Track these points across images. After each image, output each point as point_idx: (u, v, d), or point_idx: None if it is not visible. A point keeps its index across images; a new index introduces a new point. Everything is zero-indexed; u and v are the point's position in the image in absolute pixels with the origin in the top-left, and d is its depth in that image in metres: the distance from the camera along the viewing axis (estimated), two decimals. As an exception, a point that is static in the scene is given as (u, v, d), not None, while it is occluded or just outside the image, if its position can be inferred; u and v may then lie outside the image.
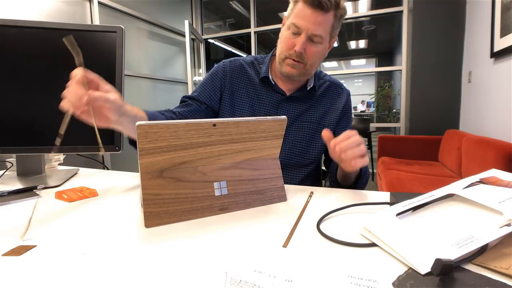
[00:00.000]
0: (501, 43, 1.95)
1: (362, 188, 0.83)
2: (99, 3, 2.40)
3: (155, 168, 0.50)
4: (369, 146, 3.36)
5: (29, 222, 0.50)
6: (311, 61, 0.79)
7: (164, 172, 0.50)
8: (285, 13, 0.82)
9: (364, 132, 3.45)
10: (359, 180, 0.76)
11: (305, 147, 0.86)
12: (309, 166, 0.87)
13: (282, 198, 0.59)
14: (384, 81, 7.92)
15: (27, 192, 0.67)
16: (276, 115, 0.82)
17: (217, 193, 0.53)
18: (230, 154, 0.55)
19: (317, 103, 0.88)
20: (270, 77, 0.87)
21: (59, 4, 2.15)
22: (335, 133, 0.88)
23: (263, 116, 0.66)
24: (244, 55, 1.37)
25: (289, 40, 0.77)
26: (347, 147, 0.58)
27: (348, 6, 4.35)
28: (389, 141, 2.84)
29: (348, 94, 0.94)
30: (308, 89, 0.86)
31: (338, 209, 0.52)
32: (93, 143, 0.79)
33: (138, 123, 0.45)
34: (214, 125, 0.50)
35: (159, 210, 0.48)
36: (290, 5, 0.78)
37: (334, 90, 0.92)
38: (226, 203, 0.54)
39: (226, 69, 0.89)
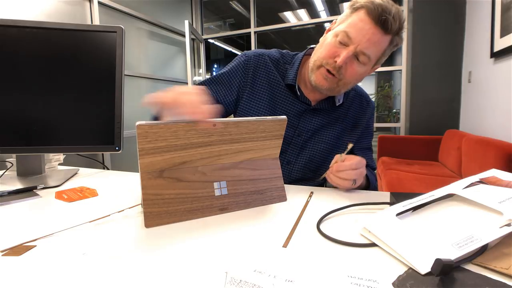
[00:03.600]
0: (501, 43, 1.95)
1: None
2: (99, 3, 2.40)
3: (155, 168, 0.49)
4: (369, 146, 3.36)
5: (29, 222, 0.50)
6: (346, 80, 0.71)
7: (164, 172, 0.50)
8: (338, 18, 0.73)
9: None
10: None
11: (321, 163, 0.81)
12: (321, 179, 0.79)
13: (282, 198, 0.59)
14: (384, 81, 7.92)
15: (27, 192, 0.67)
16: (298, 126, 0.81)
17: (217, 193, 0.53)
18: (230, 154, 0.54)
19: (341, 117, 0.82)
20: (297, 86, 0.78)
21: (59, 4, 2.15)
22: (356, 148, 0.83)
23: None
24: None
25: (333, 48, 0.68)
26: (342, 176, 0.62)
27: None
28: (389, 141, 2.84)
29: (373, 108, 0.88)
30: (336, 105, 0.80)
31: (338, 209, 0.52)
32: (93, 143, 0.79)
33: (138, 123, 0.44)
34: (214, 125, 0.49)
35: (159, 210, 0.48)
36: (347, 11, 0.69)
37: (360, 103, 0.85)
38: (226, 203, 0.53)
39: (250, 64, 0.80)
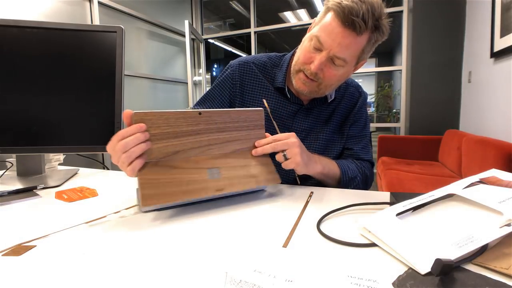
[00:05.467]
0: (501, 43, 1.95)
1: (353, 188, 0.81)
2: (99, 3, 2.40)
3: (150, 158, 0.52)
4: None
5: (29, 222, 0.50)
6: (327, 83, 0.70)
7: (159, 162, 0.53)
8: (316, 18, 0.70)
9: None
10: (341, 186, 0.75)
11: None
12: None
13: (276, 180, 0.61)
14: (384, 81, 7.93)
15: (27, 192, 0.67)
16: (292, 127, 0.81)
17: (210, 177, 0.55)
18: (219, 144, 0.58)
19: (334, 112, 0.81)
20: (286, 88, 0.79)
21: (59, 4, 2.15)
22: (348, 137, 0.83)
23: (278, 127, 0.68)
24: (244, 55, 1.32)
25: (308, 54, 0.68)
26: (264, 152, 0.61)
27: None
28: (389, 141, 2.84)
29: (365, 98, 0.87)
30: (329, 101, 0.80)
31: (338, 209, 0.52)
32: (93, 143, 0.79)
33: (135, 111, 0.50)
34: (200, 113, 0.55)
35: (156, 192, 0.49)
36: (323, 10, 0.67)
37: (352, 94, 0.84)
38: (221, 185, 0.55)
39: (235, 75, 0.81)
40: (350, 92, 0.84)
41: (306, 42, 0.70)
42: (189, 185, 0.52)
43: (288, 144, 0.61)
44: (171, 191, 0.50)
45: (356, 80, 0.87)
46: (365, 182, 0.80)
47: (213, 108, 0.83)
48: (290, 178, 0.82)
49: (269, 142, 0.61)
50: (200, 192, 0.52)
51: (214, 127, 0.57)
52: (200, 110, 0.55)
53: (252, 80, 0.82)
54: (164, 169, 0.52)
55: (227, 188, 0.55)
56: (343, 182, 0.75)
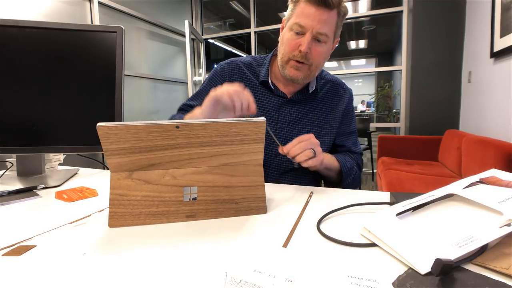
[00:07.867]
0: (501, 43, 1.95)
1: (354, 188, 0.85)
2: (99, 3, 2.40)
3: (124, 169, 0.49)
4: (369, 146, 3.36)
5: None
6: (316, 62, 0.77)
7: (133, 174, 0.50)
8: (284, 16, 0.80)
9: (364, 132, 3.45)
10: (342, 179, 0.83)
11: None
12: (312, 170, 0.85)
13: (261, 210, 0.53)
14: (384, 81, 7.93)
15: (27, 192, 0.67)
16: (278, 119, 0.84)
17: (185, 198, 0.51)
18: (203, 158, 0.51)
19: (319, 105, 0.87)
20: (270, 81, 0.85)
21: (59, 4, 2.15)
22: (338, 134, 0.90)
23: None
24: (244, 55, 1.37)
25: (293, 41, 0.75)
26: (295, 153, 0.66)
27: (348, 6, 4.32)
28: (389, 141, 2.84)
29: (351, 94, 0.93)
30: (310, 92, 0.85)
31: (338, 209, 0.52)
32: (93, 143, 0.79)
33: (98, 124, 0.45)
34: (177, 127, 0.47)
35: (123, 211, 0.48)
36: (290, 6, 0.77)
37: (336, 91, 0.90)
38: (194, 210, 0.51)
39: (225, 71, 0.88)
40: (333, 89, 0.90)
41: (286, 34, 0.77)
42: (159, 207, 0.49)
43: (313, 143, 0.68)
44: (139, 212, 0.48)
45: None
46: (359, 169, 0.90)
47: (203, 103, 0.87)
48: (282, 169, 0.85)
49: (296, 144, 0.67)
50: (169, 216, 0.50)
51: (196, 141, 0.49)
52: (178, 122, 0.47)
53: (239, 76, 0.88)
54: (137, 184, 0.49)
55: (200, 215, 0.51)
56: (344, 173, 0.82)
